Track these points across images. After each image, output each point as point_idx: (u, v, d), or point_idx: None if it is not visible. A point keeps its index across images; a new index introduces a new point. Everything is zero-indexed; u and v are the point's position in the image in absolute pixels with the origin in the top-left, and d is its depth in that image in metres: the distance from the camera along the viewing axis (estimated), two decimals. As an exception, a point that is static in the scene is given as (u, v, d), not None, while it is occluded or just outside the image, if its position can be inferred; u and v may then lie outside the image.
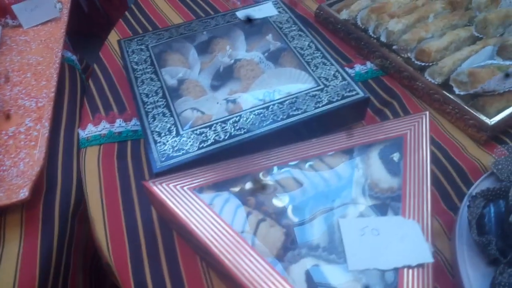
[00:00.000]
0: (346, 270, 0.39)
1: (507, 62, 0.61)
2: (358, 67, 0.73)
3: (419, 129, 0.51)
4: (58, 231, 0.55)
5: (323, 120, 0.59)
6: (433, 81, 0.63)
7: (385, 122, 0.53)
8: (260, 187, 0.46)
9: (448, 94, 0.62)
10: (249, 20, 0.75)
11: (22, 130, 0.65)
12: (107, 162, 0.61)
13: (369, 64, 0.73)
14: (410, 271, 0.38)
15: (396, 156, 0.48)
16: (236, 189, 0.47)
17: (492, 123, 0.57)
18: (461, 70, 0.60)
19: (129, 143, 0.64)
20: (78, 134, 0.66)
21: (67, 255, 0.57)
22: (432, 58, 0.63)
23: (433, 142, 0.60)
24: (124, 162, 0.61)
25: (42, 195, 0.58)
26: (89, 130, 0.65)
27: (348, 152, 0.50)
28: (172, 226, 0.51)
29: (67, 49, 0.86)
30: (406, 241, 0.40)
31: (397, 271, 0.38)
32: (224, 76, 0.70)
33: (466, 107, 0.60)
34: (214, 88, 0.69)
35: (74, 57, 0.85)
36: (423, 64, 0.64)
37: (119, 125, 0.66)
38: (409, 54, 0.66)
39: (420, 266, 0.38)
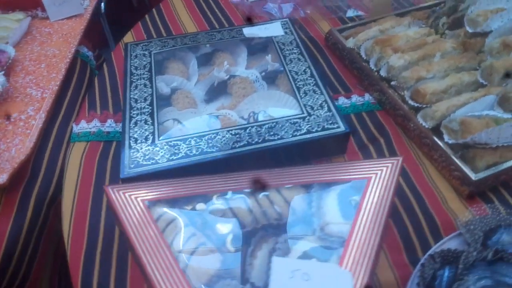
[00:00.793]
0: (268, 310, 0.38)
1: (506, 115, 0.57)
2: (355, 98, 0.71)
3: (386, 175, 0.48)
4: (30, 217, 0.58)
5: (301, 150, 0.59)
6: (424, 124, 0.60)
7: (354, 162, 0.51)
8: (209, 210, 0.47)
9: (437, 140, 0.58)
10: (253, 38, 0.76)
11: (23, 118, 0.70)
12: (89, 160, 0.63)
13: (367, 96, 0.71)
14: (329, 324, 0.36)
15: (354, 200, 0.47)
16: (188, 207, 0.48)
17: (476, 178, 0.53)
18: (453, 117, 0.57)
19: (114, 144, 0.66)
20: (71, 128, 0.69)
21: (36, 242, 0.60)
22: (427, 100, 0.61)
23: (413, 188, 0.57)
24: (104, 162, 0.63)
25: (23, 182, 0.61)
26: (81, 126, 0.68)
27: (307, 187, 0.49)
28: (122, 234, 0.53)
29: (84, 44, 0.90)
30: (333, 292, 0.38)
31: (315, 322, 0.36)
32: (217, 90, 0.71)
33: (453, 157, 0.56)
34: (206, 101, 0.70)
35: (90, 53, 0.90)
36: (417, 105, 0.62)
37: (109, 125, 0.69)
38: (405, 92, 0.63)
39: (341, 321, 0.36)
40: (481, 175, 0.54)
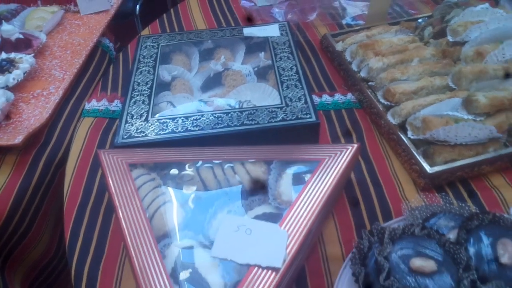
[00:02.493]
0: (212, 259, 0.44)
1: (467, 117, 0.60)
2: (338, 96, 0.76)
3: (338, 158, 0.54)
4: (38, 176, 0.68)
5: (275, 135, 0.65)
6: (392, 121, 0.65)
7: (312, 145, 0.57)
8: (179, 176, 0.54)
9: (402, 136, 0.63)
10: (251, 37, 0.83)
11: (45, 94, 0.80)
12: (94, 132, 0.73)
13: (349, 96, 0.76)
14: (259, 270, 0.42)
15: (306, 177, 0.53)
16: (163, 172, 0.55)
17: (431, 171, 0.58)
18: (418, 115, 0.62)
19: (117, 121, 0.75)
20: (84, 106, 0.79)
21: (41, 198, 0.69)
22: (396, 99, 0.65)
23: (374, 178, 0.62)
24: (106, 135, 0.72)
25: (36, 146, 0.71)
26: (92, 104, 0.78)
27: (268, 163, 0.55)
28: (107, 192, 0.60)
29: (107, 36, 1.01)
30: (269, 245, 0.44)
31: (248, 266, 0.43)
32: (213, 81, 0.78)
33: (414, 152, 0.61)
34: (202, 89, 0.78)
35: (111, 44, 1.01)
36: (388, 103, 0.67)
37: (115, 104, 0.78)
38: (379, 92, 0.69)
39: (270, 268, 0.42)
40: (436, 169, 0.58)
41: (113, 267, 0.53)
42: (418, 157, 0.60)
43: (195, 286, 0.42)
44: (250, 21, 0.92)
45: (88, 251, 0.55)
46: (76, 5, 1.05)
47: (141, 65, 0.78)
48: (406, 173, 0.63)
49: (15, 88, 0.80)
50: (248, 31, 0.85)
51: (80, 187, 0.63)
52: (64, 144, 0.74)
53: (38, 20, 0.98)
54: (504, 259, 0.42)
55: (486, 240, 0.44)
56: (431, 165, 0.59)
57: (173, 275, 0.43)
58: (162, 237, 0.48)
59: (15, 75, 0.80)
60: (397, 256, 0.43)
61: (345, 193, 0.60)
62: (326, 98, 0.77)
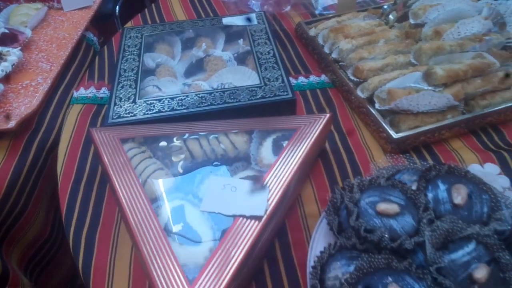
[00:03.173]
0: (201, 213, 0.49)
1: (426, 87, 0.67)
2: (313, 78, 0.82)
3: (312, 126, 0.60)
4: (31, 160, 0.71)
5: (256, 112, 0.70)
6: (361, 95, 0.71)
7: (288, 116, 0.62)
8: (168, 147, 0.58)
9: (370, 108, 0.69)
10: (230, 26, 0.89)
11: (33, 84, 0.83)
12: (83, 117, 0.76)
13: (323, 77, 0.82)
14: (244, 219, 0.47)
15: (284, 143, 0.58)
16: (153, 144, 0.60)
17: (397, 137, 0.64)
18: (383, 88, 0.68)
19: (105, 107, 0.79)
20: (72, 94, 0.83)
21: (35, 180, 0.72)
22: (364, 76, 0.72)
23: (346, 146, 0.68)
24: (96, 119, 0.76)
25: (28, 132, 0.74)
26: (80, 92, 0.82)
27: (250, 133, 0.60)
28: (102, 169, 0.64)
29: (90, 31, 1.05)
30: (252, 199, 0.49)
31: (234, 217, 0.48)
32: (195, 67, 0.83)
33: (381, 121, 0.67)
34: (186, 75, 0.83)
35: (95, 38, 1.04)
36: (357, 79, 0.73)
37: (103, 92, 0.82)
38: (349, 70, 0.75)
39: (254, 217, 0.47)
40: (401, 134, 0.64)
41: (108, 234, 0.57)
42: (385, 125, 0.66)
43: (187, 237, 0.47)
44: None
45: (84, 221, 0.59)
46: (59, 2, 1.08)
47: (126, 53, 0.82)
48: (375, 141, 0.69)
49: (4, 80, 0.83)
50: (227, 20, 0.90)
51: (73, 166, 0.67)
52: (55, 129, 0.77)
53: (23, 16, 1.01)
54: (457, 200, 0.48)
55: (442, 187, 0.50)
56: (396, 132, 0.65)
57: (166, 229, 0.48)
58: (155, 200, 0.52)
59: (3, 67, 0.83)
60: (365, 202, 0.49)
61: (320, 160, 0.66)
62: (302, 79, 0.82)
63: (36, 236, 0.74)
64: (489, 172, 0.62)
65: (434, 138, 0.67)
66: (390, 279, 0.42)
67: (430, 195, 0.50)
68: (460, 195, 0.49)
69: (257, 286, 0.51)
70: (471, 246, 0.44)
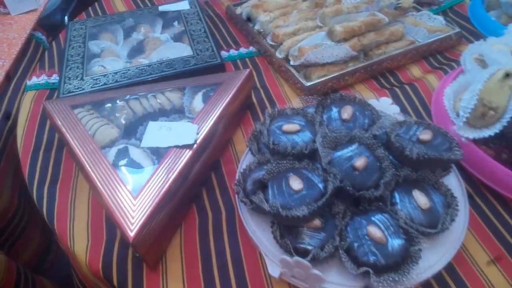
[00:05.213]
0: (142, 150, 0.60)
1: (329, 42, 0.81)
2: (242, 50, 0.95)
3: (235, 80, 0.72)
4: (-7, 139, 0.79)
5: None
6: (279, 56, 0.84)
7: (217, 74, 0.74)
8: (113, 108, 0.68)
9: (287, 66, 0.82)
10: (166, 12, 1.00)
11: (-13, 79, 0.91)
12: (37, 101, 0.85)
13: (251, 48, 0.95)
14: (176, 148, 0.58)
15: (211, 94, 0.69)
16: (99, 108, 0.70)
17: (308, 85, 0.77)
18: (295, 47, 0.81)
19: (57, 91, 0.88)
20: (25, 83, 0.91)
21: (-3, 159, 0.80)
22: (280, 40, 0.85)
23: (270, 98, 0.81)
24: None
25: (-13, 117, 0.82)
26: (33, 81, 0.90)
27: (182, 89, 0.71)
28: (59, 137, 0.73)
29: (38, 30, 1.12)
30: (184, 134, 0.60)
31: (169, 148, 0.58)
32: (137, 49, 0.93)
33: (295, 74, 0.80)
34: (129, 56, 0.93)
35: (43, 37, 1.12)
36: (275, 44, 0.86)
37: (54, 78, 0.90)
38: (267, 37, 0.88)
39: (185, 146, 0.58)
40: (311, 82, 0.78)
41: (68, 186, 0.66)
42: (298, 77, 0.79)
43: (131, 167, 0.57)
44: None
45: (45, 179, 0.68)
46: (5, 7, 1.15)
47: (72, 42, 0.91)
48: (294, 93, 0.82)
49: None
50: (163, 8, 1.01)
51: (31, 139, 0.76)
52: (12, 114, 0.85)
53: (-30, 22, 1.08)
54: (345, 116, 0.61)
55: (334, 109, 0.63)
56: (308, 82, 0.78)
57: (114, 164, 0.58)
58: (104, 147, 0.62)
59: (-43, 65, 0.90)
60: (274, 126, 0.61)
61: (249, 112, 0.78)
62: (232, 52, 0.94)
63: (5, 210, 0.81)
64: (383, 103, 0.76)
65: (340, 84, 0.80)
66: (291, 173, 0.54)
67: (325, 116, 0.63)
68: (346, 112, 0.62)
69: (197, 206, 0.62)
70: (354, 146, 0.57)
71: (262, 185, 0.55)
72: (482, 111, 0.60)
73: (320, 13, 0.86)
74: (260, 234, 0.55)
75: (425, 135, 0.57)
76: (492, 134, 0.59)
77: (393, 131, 0.58)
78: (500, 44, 0.68)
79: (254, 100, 0.80)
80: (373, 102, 0.76)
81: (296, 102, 0.74)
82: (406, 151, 0.54)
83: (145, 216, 0.50)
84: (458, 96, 0.66)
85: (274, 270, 0.51)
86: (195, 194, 0.63)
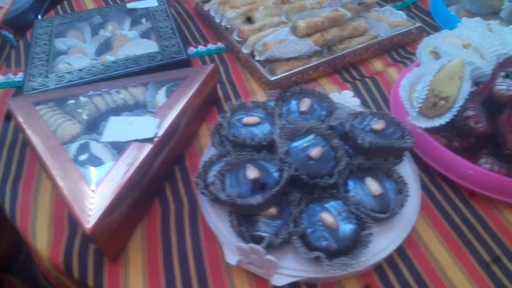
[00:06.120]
0: (103, 144, 0.60)
1: (292, 38, 0.83)
2: (210, 46, 0.96)
3: (199, 75, 0.72)
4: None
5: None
6: (245, 51, 0.85)
7: (180, 69, 0.75)
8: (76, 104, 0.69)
9: (253, 61, 0.84)
10: (134, 9, 1.00)
11: (-49, 78, 0.89)
12: (3, 98, 0.84)
13: (219, 44, 0.96)
14: (137, 142, 0.59)
15: (174, 89, 0.70)
16: (62, 104, 0.70)
17: (272, 79, 0.79)
18: (260, 42, 0.83)
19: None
20: (-9, 82, 0.90)
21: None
22: (246, 36, 0.86)
23: (235, 91, 0.82)
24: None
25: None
26: (-2, 79, 0.89)
27: (146, 84, 0.72)
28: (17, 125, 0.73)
29: (5, 29, 1.11)
30: (145, 129, 0.61)
31: (129, 142, 0.59)
32: (104, 46, 0.93)
33: (260, 69, 0.81)
34: (96, 54, 0.93)
35: (10, 35, 1.11)
36: (241, 40, 0.87)
37: (20, 76, 0.89)
38: (234, 33, 0.89)
39: (146, 140, 0.59)
40: (276, 77, 0.79)
41: (30, 183, 0.66)
42: (263, 72, 0.81)
43: (91, 161, 0.58)
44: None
45: (8, 177, 0.67)
46: (-30, 6, 1.13)
47: (38, 40, 0.91)
48: (260, 88, 0.83)
49: None
50: (131, 5, 1.01)
51: (-5, 135, 0.75)
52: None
53: None
54: (303, 108, 0.63)
55: (293, 102, 0.65)
56: (272, 76, 0.80)
57: (75, 159, 0.58)
58: (65, 142, 0.62)
59: None
60: (235, 119, 0.62)
61: (215, 107, 0.79)
62: (201, 48, 0.95)
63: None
64: (344, 96, 0.78)
65: (304, 78, 0.82)
66: (249, 164, 0.56)
67: (284, 109, 0.64)
68: (304, 104, 0.64)
69: (160, 199, 0.63)
70: (311, 137, 0.59)
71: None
72: (433, 101, 0.62)
73: (285, 10, 0.88)
74: (219, 224, 0.56)
75: (378, 125, 0.59)
76: (443, 123, 0.62)
77: (348, 122, 0.60)
78: (453, 37, 0.71)
79: (221, 95, 0.82)
80: (335, 95, 0.79)
81: (261, 96, 0.75)
82: (358, 140, 0.56)
83: (103, 208, 0.51)
84: (413, 87, 0.68)
85: (232, 258, 0.52)
86: (158, 187, 0.64)
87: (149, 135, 0.60)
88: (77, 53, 0.88)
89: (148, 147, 0.59)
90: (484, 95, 0.62)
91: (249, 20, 0.92)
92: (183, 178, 0.66)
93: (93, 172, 0.56)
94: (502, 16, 0.90)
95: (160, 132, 0.61)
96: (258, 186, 0.53)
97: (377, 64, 0.87)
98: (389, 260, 0.54)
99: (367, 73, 0.85)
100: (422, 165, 0.65)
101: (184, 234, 0.58)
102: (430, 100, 0.63)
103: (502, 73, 0.60)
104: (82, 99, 0.70)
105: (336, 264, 0.49)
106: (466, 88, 0.62)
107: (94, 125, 0.65)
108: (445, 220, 0.58)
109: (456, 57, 0.64)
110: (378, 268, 0.53)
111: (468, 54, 0.65)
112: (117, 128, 0.62)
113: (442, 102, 0.62)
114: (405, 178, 0.58)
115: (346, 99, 0.77)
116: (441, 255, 0.54)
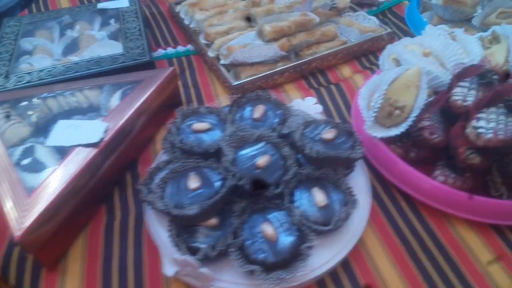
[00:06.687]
0: (49, 149, 0.59)
1: (258, 42, 0.81)
2: (180, 48, 0.94)
3: (156, 78, 0.71)
4: None
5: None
6: (211, 55, 0.84)
7: (138, 72, 0.73)
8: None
9: (218, 64, 0.82)
10: (105, 9, 0.99)
11: None
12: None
13: (189, 46, 0.94)
14: (81, 147, 0.57)
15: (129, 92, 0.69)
16: (15, 106, 0.68)
17: (235, 84, 0.77)
18: (225, 46, 0.81)
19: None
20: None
21: None
22: (212, 38, 0.85)
23: (200, 99, 0.81)
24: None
25: None
26: (-39, 78, 0.88)
27: (101, 87, 0.71)
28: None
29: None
30: (91, 133, 0.59)
31: (73, 146, 0.58)
32: (71, 46, 0.92)
33: (224, 73, 0.80)
34: (63, 54, 0.91)
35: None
36: (208, 43, 0.86)
37: (-17, 76, 0.88)
38: (201, 36, 0.87)
39: (90, 144, 0.58)
40: (239, 81, 0.78)
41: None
42: (226, 76, 0.79)
43: (33, 166, 0.56)
44: None
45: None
46: None
47: (4, 39, 0.89)
48: (225, 92, 0.82)
49: None
50: (102, 5, 1.00)
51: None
52: None
53: None
54: (256, 115, 0.61)
55: (248, 108, 0.64)
56: (236, 81, 0.78)
57: (17, 164, 0.57)
58: (12, 146, 0.61)
59: None
60: (185, 125, 0.61)
61: (176, 111, 0.77)
62: (170, 50, 0.94)
63: None
64: (307, 103, 0.76)
65: (269, 83, 0.81)
66: (193, 172, 0.54)
67: (238, 115, 0.63)
68: (258, 111, 0.62)
69: (107, 206, 0.61)
70: (260, 145, 0.57)
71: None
72: (388, 110, 0.61)
73: (252, 13, 0.87)
74: (162, 234, 0.54)
75: (328, 134, 0.57)
76: (398, 133, 0.60)
77: (298, 130, 0.58)
78: (415, 45, 0.69)
79: (183, 98, 0.80)
80: (298, 101, 0.78)
81: (224, 101, 0.74)
82: (306, 150, 0.55)
83: (35, 215, 0.49)
84: (372, 95, 0.67)
85: (170, 269, 0.51)
86: (105, 193, 0.62)
87: (94, 139, 0.58)
88: (41, 53, 0.87)
89: (93, 152, 0.57)
90: (441, 105, 0.61)
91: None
92: (133, 184, 0.64)
93: (32, 177, 0.55)
94: (474, 23, 0.88)
95: (107, 137, 0.60)
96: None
97: (345, 70, 0.85)
98: (333, 274, 0.52)
99: (334, 80, 0.83)
100: (377, 175, 0.64)
101: (127, 242, 0.57)
102: (386, 109, 0.61)
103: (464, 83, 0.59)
104: (36, 101, 0.69)
105: (271, 278, 0.47)
106: (422, 97, 0.60)
107: (43, 128, 0.64)
108: (395, 233, 0.57)
109: (414, 65, 0.63)
110: (320, 282, 0.52)
111: (427, 63, 0.64)
112: (63, 132, 0.60)
113: (397, 111, 0.61)
114: (357, 188, 0.56)
115: (308, 105, 0.76)
116: (386, 268, 0.53)
